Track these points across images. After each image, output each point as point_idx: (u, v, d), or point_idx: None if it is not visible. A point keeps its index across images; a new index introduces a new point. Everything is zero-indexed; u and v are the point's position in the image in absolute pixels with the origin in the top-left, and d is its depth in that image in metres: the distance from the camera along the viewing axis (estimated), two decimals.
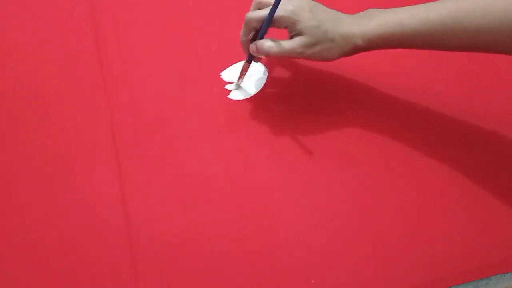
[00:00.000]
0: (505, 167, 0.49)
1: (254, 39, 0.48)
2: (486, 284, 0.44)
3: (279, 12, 0.45)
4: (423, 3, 0.43)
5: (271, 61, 0.55)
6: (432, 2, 0.43)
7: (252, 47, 0.47)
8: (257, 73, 0.54)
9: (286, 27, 0.46)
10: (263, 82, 0.54)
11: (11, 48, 0.55)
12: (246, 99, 0.53)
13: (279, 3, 0.44)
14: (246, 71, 0.51)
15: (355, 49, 0.46)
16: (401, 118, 0.52)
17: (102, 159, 0.48)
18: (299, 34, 0.45)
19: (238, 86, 0.53)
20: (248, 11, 0.48)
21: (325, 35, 0.45)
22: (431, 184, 0.48)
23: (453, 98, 0.53)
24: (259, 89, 0.53)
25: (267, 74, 0.54)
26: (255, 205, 0.47)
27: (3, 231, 0.45)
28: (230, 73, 0.54)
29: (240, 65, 0.53)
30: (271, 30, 0.47)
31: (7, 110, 0.51)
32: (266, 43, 0.46)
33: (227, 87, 0.53)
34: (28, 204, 0.46)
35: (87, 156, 0.49)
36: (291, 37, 0.46)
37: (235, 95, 0.53)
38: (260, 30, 0.47)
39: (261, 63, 0.55)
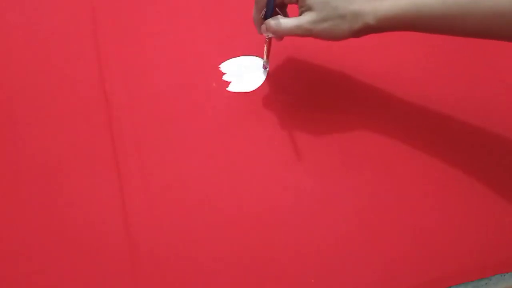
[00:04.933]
0: (506, 167, 0.49)
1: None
2: (486, 284, 0.44)
3: None
4: None
5: (272, 56, 0.55)
6: None
7: (263, 27, 0.47)
8: (257, 68, 0.54)
9: (296, 2, 0.45)
10: (263, 77, 0.53)
11: (11, 48, 0.54)
12: (246, 95, 0.52)
13: None
14: (270, 49, 0.51)
15: (365, 29, 0.44)
16: (402, 117, 0.52)
17: (101, 159, 0.48)
18: (308, 9, 0.44)
19: (267, 63, 0.52)
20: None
21: (334, 12, 0.43)
22: (431, 184, 0.48)
23: (454, 98, 0.53)
24: (259, 85, 0.53)
25: (267, 69, 0.54)
26: (255, 204, 0.46)
27: (2, 231, 0.44)
28: (230, 66, 0.53)
29: (239, 60, 0.52)
30: (292, 9, 0.46)
31: (6, 109, 0.50)
32: (272, 21, 0.45)
33: (225, 78, 0.52)
34: (27, 204, 0.46)
35: (86, 156, 0.48)
36: (301, 13, 0.45)
37: (235, 87, 0.52)
38: (266, 7, 0.46)
39: (263, 58, 0.54)
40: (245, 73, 0.52)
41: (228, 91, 0.52)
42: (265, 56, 0.52)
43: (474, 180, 0.48)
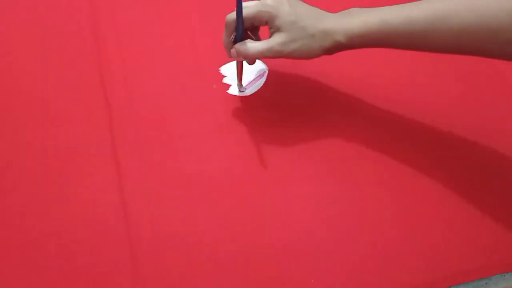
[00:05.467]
0: (506, 167, 0.49)
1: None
2: (486, 284, 0.44)
3: (257, 7, 0.44)
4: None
5: (272, 60, 0.54)
6: (418, 1, 0.42)
7: (233, 51, 0.46)
8: (257, 71, 0.53)
9: (266, 23, 0.44)
10: (263, 80, 0.53)
11: (11, 48, 0.54)
12: (246, 97, 0.52)
13: (241, 1, 0.42)
14: (242, 70, 0.50)
15: (336, 46, 0.44)
16: (402, 114, 0.52)
17: (101, 159, 0.48)
18: (278, 30, 0.44)
19: (242, 87, 0.52)
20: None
21: (303, 31, 0.43)
22: (430, 184, 0.48)
23: (453, 97, 0.53)
24: (259, 87, 0.53)
25: (267, 72, 0.53)
26: (255, 204, 0.46)
27: (2, 231, 0.44)
28: (230, 68, 0.53)
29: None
30: (264, 31, 0.46)
31: (6, 110, 0.50)
32: (243, 46, 0.44)
33: (225, 80, 0.52)
34: (27, 204, 0.46)
35: (87, 156, 0.48)
36: (271, 34, 0.45)
37: (235, 90, 0.52)
38: (236, 32, 0.45)
39: (262, 61, 0.54)
40: (245, 77, 0.52)
41: (229, 94, 0.52)
42: (237, 80, 0.51)
43: (474, 180, 0.48)
